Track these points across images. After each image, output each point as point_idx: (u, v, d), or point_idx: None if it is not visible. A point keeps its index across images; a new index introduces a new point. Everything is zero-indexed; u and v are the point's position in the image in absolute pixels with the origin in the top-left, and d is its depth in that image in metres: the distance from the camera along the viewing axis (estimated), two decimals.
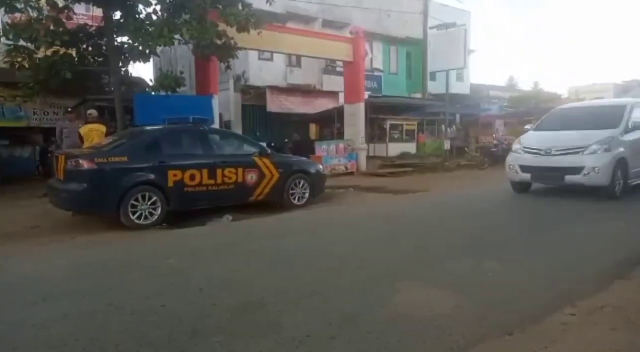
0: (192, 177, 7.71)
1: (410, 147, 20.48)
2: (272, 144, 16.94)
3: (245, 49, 13.17)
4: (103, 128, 9.86)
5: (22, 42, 10.44)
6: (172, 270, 4.74)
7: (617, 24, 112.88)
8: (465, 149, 20.98)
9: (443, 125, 21.04)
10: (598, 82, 53.85)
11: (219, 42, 10.88)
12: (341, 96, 17.89)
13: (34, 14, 10.20)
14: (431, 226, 6.89)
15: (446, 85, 20.35)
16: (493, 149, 17.81)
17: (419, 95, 23.62)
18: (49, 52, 10.94)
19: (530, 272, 4.50)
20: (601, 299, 3.76)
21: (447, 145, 19.22)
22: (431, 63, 21.40)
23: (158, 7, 11.05)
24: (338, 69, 19.06)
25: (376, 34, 22.21)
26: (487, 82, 35.54)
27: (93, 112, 10.27)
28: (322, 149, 15.22)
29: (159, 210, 7.32)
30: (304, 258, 5.11)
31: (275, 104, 18.89)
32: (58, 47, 11.01)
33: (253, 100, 18.76)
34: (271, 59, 18.87)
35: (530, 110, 30.24)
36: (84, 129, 9.67)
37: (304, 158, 10.63)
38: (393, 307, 3.60)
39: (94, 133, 9.51)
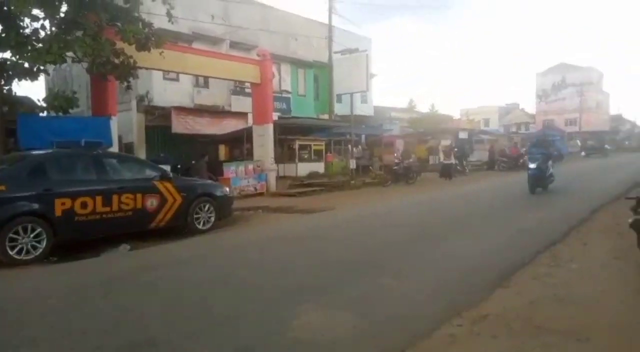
0: (83, 205, 7.15)
1: (319, 167, 20.93)
2: (179, 166, 16.36)
3: (146, 68, 12.64)
4: None
5: None
6: (52, 312, 4.31)
7: (498, 52, 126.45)
8: (370, 167, 21.90)
9: (349, 145, 21.81)
10: (485, 105, 59.63)
11: (116, 60, 10.34)
12: (250, 117, 17.84)
13: None
14: (333, 245, 7.04)
15: (351, 107, 21.17)
16: (395, 168, 18.76)
17: (326, 117, 24.33)
18: None
19: (422, 285, 4.76)
20: (484, 308, 4.08)
21: (353, 164, 19.90)
22: (336, 86, 22.20)
23: (47, 23, 10.25)
24: (247, 90, 19.03)
25: (284, 57, 22.62)
26: (390, 105, 37.67)
27: None
28: (231, 170, 14.98)
29: (44, 243, 6.67)
30: (200, 288, 4.94)
31: (181, 125, 18.29)
32: None
33: (158, 121, 18.00)
34: (177, 79, 18.34)
35: (427, 130, 32.64)
36: None
37: (209, 181, 10.39)
38: (292, 333, 3.59)
39: None
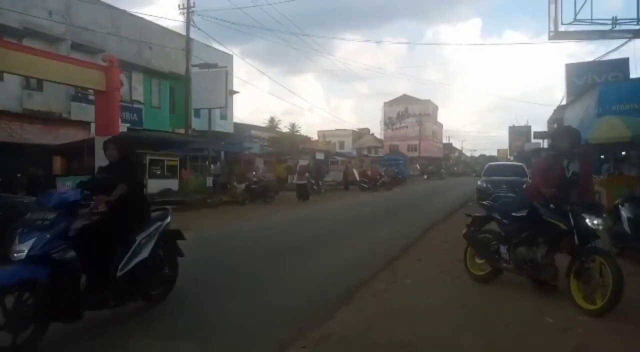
0: None
1: (173, 184, 19.75)
2: (0, 181, 13.98)
3: None
4: None
5: None
6: None
7: (351, 78, 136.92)
8: (228, 185, 21.48)
9: (207, 162, 21.14)
10: (340, 128, 63.64)
11: None
12: (94, 127, 16.13)
13: None
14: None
15: (209, 122, 20.67)
16: (253, 186, 18.68)
17: (183, 131, 23.30)
18: None
19: (267, 308, 4.68)
20: (327, 328, 4.13)
21: (210, 182, 19.29)
22: (194, 100, 21.48)
23: None
24: (91, 97, 17.21)
25: (136, 65, 21.15)
26: (250, 122, 37.77)
27: None
28: (67, 185, 13.25)
29: None
30: None
31: (4, 133, 15.69)
32: None
33: None
34: (1, 79, 15.77)
35: (287, 150, 33.50)
36: None
37: (34, 198, 8.97)
38: None
39: None
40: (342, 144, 62.46)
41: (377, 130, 73.10)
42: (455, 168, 72.43)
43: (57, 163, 17.85)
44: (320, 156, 37.62)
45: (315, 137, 53.73)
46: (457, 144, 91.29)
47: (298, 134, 45.96)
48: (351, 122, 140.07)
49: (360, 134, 69.92)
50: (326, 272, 6.35)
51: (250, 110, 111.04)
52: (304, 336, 3.92)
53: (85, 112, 17.65)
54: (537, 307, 4.53)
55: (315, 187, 23.80)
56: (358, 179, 29.49)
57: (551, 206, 4.69)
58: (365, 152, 60.68)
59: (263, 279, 5.93)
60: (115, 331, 4.03)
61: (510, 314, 4.41)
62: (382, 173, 30.42)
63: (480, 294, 5.14)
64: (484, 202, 5.99)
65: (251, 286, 5.56)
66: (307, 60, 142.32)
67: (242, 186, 18.61)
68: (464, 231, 5.86)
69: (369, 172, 28.88)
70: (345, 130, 64.50)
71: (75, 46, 18.20)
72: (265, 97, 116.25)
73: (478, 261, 5.64)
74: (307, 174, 22.16)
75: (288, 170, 30.20)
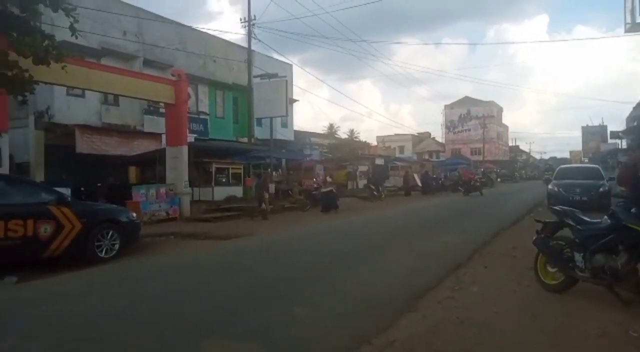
0: None
1: (237, 191, 20.49)
2: (82, 189, 15.16)
3: (45, 83, 11.67)
4: None
5: None
6: None
7: (411, 83, 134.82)
8: (290, 192, 21.89)
9: (269, 169, 21.71)
10: (400, 133, 62.79)
11: (8, 73, 9.41)
12: (164, 138, 17.11)
13: None
14: (243, 273, 6.83)
15: (271, 131, 21.24)
16: (314, 192, 18.92)
17: (246, 140, 24.10)
18: None
19: (333, 313, 4.72)
20: (392, 334, 4.11)
21: (272, 188, 19.79)
22: (256, 110, 22.17)
23: None
24: (161, 110, 18.28)
25: (202, 78, 22.19)
26: (310, 129, 38.30)
27: None
28: (141, 193, 14.15)
29: None
30: (90, 326, 4.49)
31: (86, 145, 17.02)
32: None
33: (59, 140, 16.57)
34: (83, 96, 17.15)
35: (346, 156, 33.59)
36: None
37: (114, 205, 9.67)
38: None
39: None
40: (401, 149, 61.63)
41: (438, 134, 71.39)
42: (523, 171, 68.97)
43: (133, 172, 19.11)
44: (379, 162, 37.35)
45: (374, 142, 53.36)
46: (524, 147, 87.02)
47: (357, 140, 45.88)
48: (411, 126, 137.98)
49: (420, 138, 68.61)
50: (389, 277, 6.31)
51: (309, 117, 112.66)
52: (369, 341, 3.93)
53: (156, 124, 18.77)
54: (618, 320, 4.24)
55: (375, 192, 23.68)
56: (419, 184, 28.98)
57: (632, 210, 4.38)
58: (426, 157, 59.45)
59: (326, 285, 5.99)
60: (186, 331, 4.25)
61: (587, 326, 4.15)
62: (478, 173, 30.20)
63: (553, 304, 4.88)
64: (555, 208, 5.69)
65: (314, 291, 5.64)
66: (365, 66, 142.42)
67: (303, 192, 18.92)
68: (534, 238, 5.60)
69: (463, 176, 28.19)
70: (404, 134, 63.57)
71: (147, 62, 19.43)
72: (324, 104, 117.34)
73: (550, 269, 5.36)
74: (348, 180, 21.68)
75: (348, 176, 30.29)
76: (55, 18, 11.48)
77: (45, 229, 7.28)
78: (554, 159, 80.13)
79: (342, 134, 46.45)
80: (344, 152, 35.06)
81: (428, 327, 4.27)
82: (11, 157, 12.10)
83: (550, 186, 15.43)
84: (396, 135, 62.37)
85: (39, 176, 15.03)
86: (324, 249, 8.99)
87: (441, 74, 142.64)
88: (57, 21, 12.00)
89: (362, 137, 50.62)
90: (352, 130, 47.12)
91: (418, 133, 68.34)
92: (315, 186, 19.72)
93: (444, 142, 70.05)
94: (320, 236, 11.05)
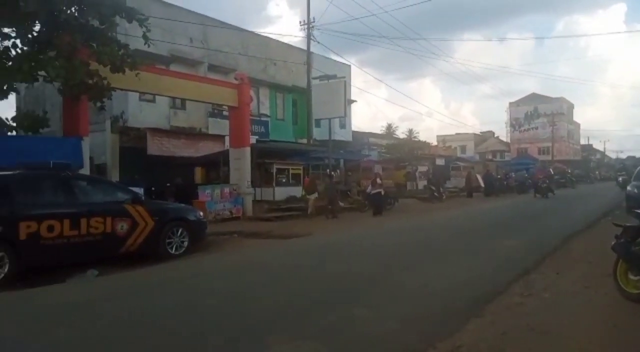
0: (50, 229, 6.90)
1: (297, 191, 20.80)
2: (153, 189, 16.04)
3: (121, 89, 12.49)
4: None
5: None
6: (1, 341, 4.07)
7: (473, 80, 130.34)
8: (348, 192, 21.90)
9: (328, 170, 21.86)
10: (461, 132, 60.90)
11: (90, 81, 10.18)
12: (227, 140, 17.75)
13: None
14: (306, 273, 6.93)
15: (329, 132, 21.38)
16: (373, 193, 18.73)
17: (305, 141, 24.43)
18: None
19: (396, 315, 4.68)
20: (458, 339, 4.02)
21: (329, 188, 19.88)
22: (315, 111, 22.40)
23: (19, 41, 10.06)
24: (224, 112, 18.98)
25: (263, 81, 22.76)
26: (368, 130, 38.12)
27: None
28: (206, 193, 14.76)
29: (6, 267, 6.38)
30: (165, 317, 4.75)
31: (156, 147, 18.02)
32: None
33: (132, 143, 17.68)
34: (153, 101, 18.17)
35: (405, 156, 33.09)
36: None
37: (182, 205, 10.17)
38: None
39: None
40: (463, 149, 59.73)
41: (502, 133, 68.46)
42: (597, 172, 64.48)
43: (198, 173, 19.99)
44: (440, 162, 36.42)
45: (434, 142, 52.17)
46: (598, 146, 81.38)
47: (416, 139, 45.09)
48: (473, 125, 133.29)
49: (483, 138, 66.16)
50: (455, 281, 6.14)
51: (367, 118, 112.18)
52: (434, 345, 3.87)
53: (220, 126, 19.50)
54: None
55: (436, 193, 23.14)
56: (482, 185, 27.95)
57: None
58: (490, 157, 57.21)
59: (387, 286, 5.95)
60: (251, 326, 4.38)
61: None
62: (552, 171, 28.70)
63: (636, 314, 4.55)
64: (637, 211, 5.29)
65: (375, 293, 5.62)
66: (425, 64, 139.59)
67: (361, 193, 18.77)
68: (613, 243, 5.25)
69: (539, 175, 26.10)
70: (466, 134, 61.57)
71: (211, 67, 20.24)
72: (382, 104, 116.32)
73: (632, 277, 4.98)
74: (407, 179, 20.69)
75: (407, 177, 29.82)
76: (129, 28, 12.27)
77: (122, 226, 7.79)
78: (632, 158, 74.24)
79: (401, 133, 45.87)
80: (402, 152, 34.59)
81: (496, 333, 4.13)
82: (91, 159, 13.05)
83: (629, 188, 14.30)
84: (457, 134, 60.56)
85: (114, 176, 16.08)
86: (384, 250, 8.93)
87: (505, 70, 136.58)
88: (130, 31, 12.82)
89: (422, 137, 49.74)
90: (411, 130, 46.45)
91: (481, 132, 65.98)
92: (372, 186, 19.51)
93: (508, 141, 67.07)
94: (379, 237, 10.99)
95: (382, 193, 17.20)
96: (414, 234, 11.47)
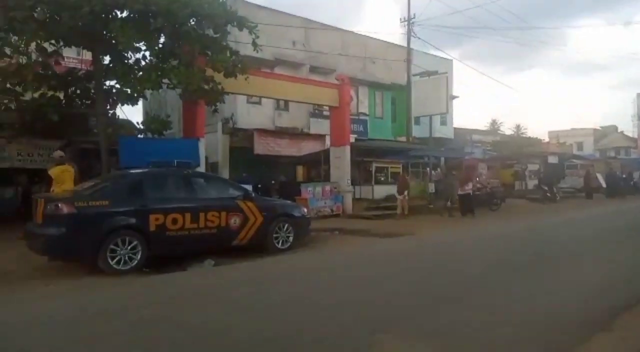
0: (174, 221, 7.62)
1: (396, 190, 20.57)
2: (259, 186, 16.98)
3: (232, 93, 13.41)
4: (72, 169, 9.29)
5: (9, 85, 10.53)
6: (142, 322, 4.56)
7: (592, 71, 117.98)
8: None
9: (428, 168, 21.32)
10: (577, 127, 55.50)
11: (206, 87, 11.08)
12: (328, 139, 18.15)
13: (23, 60, 10.34)
14: (414, 272, 6.84)
15: (430, 129, 20.81)
16: (477, 193, 17.91)
17: (404, 139, 24.06)
18: (36, 95, 11.03)
19: (511, 322, 4.43)
20: None
21: (431, 188, 19.38)
22: (415, 108, 21.95)
23: (147, 53, 11.30)
24: (325, 112, 19.42)
25: (362, 80, 22.84)
26: (471, 126, 36.45)
27: (59, 152, 9.83)
28: (308, 191, 15.23)
29: (139, 255, 7.18)
30: (282, 308, 5.01)
31: (262, 147, 19.04)
32: (46, 90, 11.12)
33: (241, 143, 18.89)
34: (259, 103, 19.20)
35: (513, 154, 31.00)
36: (55, 171, 9.02)
37: (288, 201, 10.62)
38: None
39: (65, 174, 9.02)
40: (580, 145, 54.37)
41: (628, 127, 61.08)
42: None
43: (300, 171, 20.72)
44: (553, 160, 33.52)
45: (546, 138, 48.23)
46: None
47: (524, 135, 42.07)
48: (591, 119, 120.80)
49: (604, 133, 59.58)
50: (577, 290, 5.67)
51: (471, 114, 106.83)
52: None
53: (321, 126, 19.99)
54: None
55: (548, 194, 21.42)
56: (604, 185, 25.28)
57: None
58: (612, 154, 51.38)
59: (501, 292, 5.64)
60: (363, 322, 4.44)
61: None
62: None
63: None
64: None
65: (487, 297, 5.37)
66: (534, 54, 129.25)
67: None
68: None
69: None
70: (583, 129, 55.96)
71: (312, 69, 20.80)
72: (487, 99, 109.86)
73: None
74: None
75: (515, 176, 27.97)
76: (238, 35, 13.10)
77: (234, 220, 8.36)
78: None
79: (507, 129, 43.11)
80: (510, 149, 32.47)
81: (627, 349, 3.74)
82: (206, 158, 14.18)
83: None
84: (573, 129, 55.34)
85: (225, 174, 17.28)
86: (491, 253, 8.49)
87: (633, 57, 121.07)
88: (239, 37, 13.67)
89: (531, 133, 46.31)
90: (519, 125, 43.41)
91: (601, 127, 59.51)
92: (477, 185, 18.61)
93: (635, 136, 59.66)
94: (486, 240, 10.48)
95: (471, 194, 16.16)
96: (527, 236, 10.74)
